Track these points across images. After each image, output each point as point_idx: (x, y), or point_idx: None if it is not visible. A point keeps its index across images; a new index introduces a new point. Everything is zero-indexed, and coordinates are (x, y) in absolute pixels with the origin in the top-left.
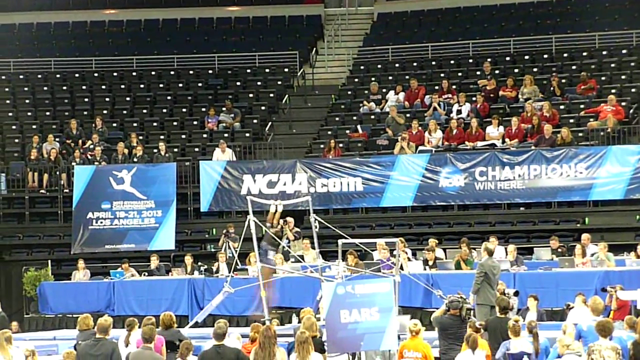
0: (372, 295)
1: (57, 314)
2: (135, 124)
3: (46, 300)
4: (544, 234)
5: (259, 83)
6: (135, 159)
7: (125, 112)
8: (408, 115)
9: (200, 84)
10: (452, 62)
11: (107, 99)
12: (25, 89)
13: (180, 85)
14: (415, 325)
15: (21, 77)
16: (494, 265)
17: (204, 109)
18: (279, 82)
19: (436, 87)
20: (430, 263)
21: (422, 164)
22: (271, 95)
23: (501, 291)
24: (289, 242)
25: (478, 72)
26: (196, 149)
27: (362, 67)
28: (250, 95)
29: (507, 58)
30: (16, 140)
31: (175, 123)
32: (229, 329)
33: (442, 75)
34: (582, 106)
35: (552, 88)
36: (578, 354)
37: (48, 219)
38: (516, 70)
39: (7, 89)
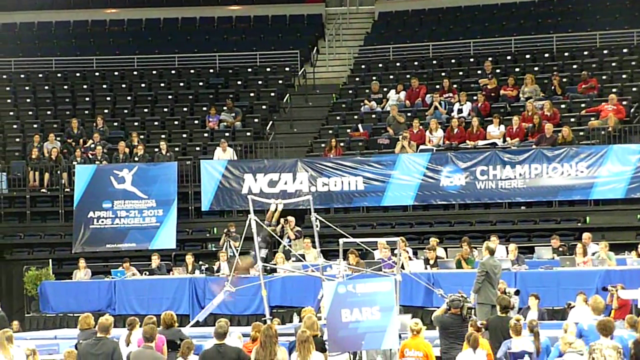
0: (373, 295)
1: (58, 313)
2: (136, 123)
3: (47, 300)
4: (545, 233)
5: (260, 82)
6: (136, 158)
7: (126, 111)
8: (409, 114)
9: (201, 83)
10: (453, 61)
11: (108, 98)
12: (27, 88)
13: (181, 84)
14: (416, 324)
15: (22, 76)
16: (495, 264)
17: (205, 108)
18: (280, 81)
19: (437, 86)
20: (431, 262)
21: (423, 163)
22: (272, 94)
23: (502, 290)
24: (290, 241)
25: (479, 71)
26: (197, 148)
27: (363, 66)
28: (251, 94)
29: (508, 57)
30: (17, 140)
31: (176, 122)
32: (230, 328)
33: (443, 74)
34: (583, 105)
35: (553, 87)
36: (580, 352)
37: (49, 218)
38: (517, 69)
39: (8, 88)
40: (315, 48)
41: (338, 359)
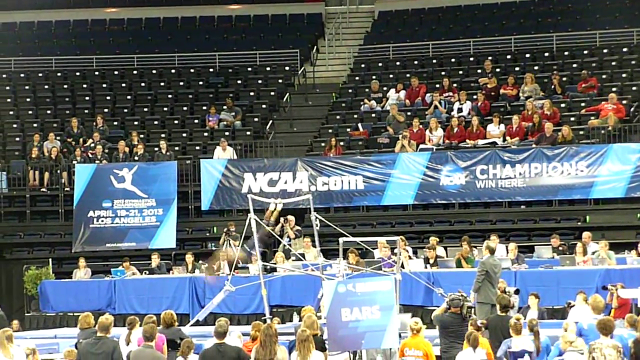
0: (373, 294)
1: (58, 312)
2: (136, 123)
3: (47, 299)
4: (545, 232)
5: (259, 81)
6: (136, 158)
7: (126, 110)
8: (409, 113)
9: (201, 83)
10: (453, 60)
11: (108, 98)
12: (26, 87)
13: (181, 83)
14: (416, 323)
15: (22, 75)
16: (495, 263)
17: (204, 108)
18: (280, 81)
19: (437, 85)
20: (431, 261)
21: (423, 162)
22: (272, 93)
23: (502, 289)
24: (290, 240)
25: (479, 70)
26: (197, 148)
27: (362, 66)
28: (251, 93)
29: (508, 56)
30: (17, 139)
31: (176, 121)
32: (230, 327)
33: (442, 73)
34: (583, 104)
35: (553, 86)
36: (580, 351)
37: (49, 218)
38: (517, 69)
39: (8, 88)
40: (315, 47)
41: (338, 358)
